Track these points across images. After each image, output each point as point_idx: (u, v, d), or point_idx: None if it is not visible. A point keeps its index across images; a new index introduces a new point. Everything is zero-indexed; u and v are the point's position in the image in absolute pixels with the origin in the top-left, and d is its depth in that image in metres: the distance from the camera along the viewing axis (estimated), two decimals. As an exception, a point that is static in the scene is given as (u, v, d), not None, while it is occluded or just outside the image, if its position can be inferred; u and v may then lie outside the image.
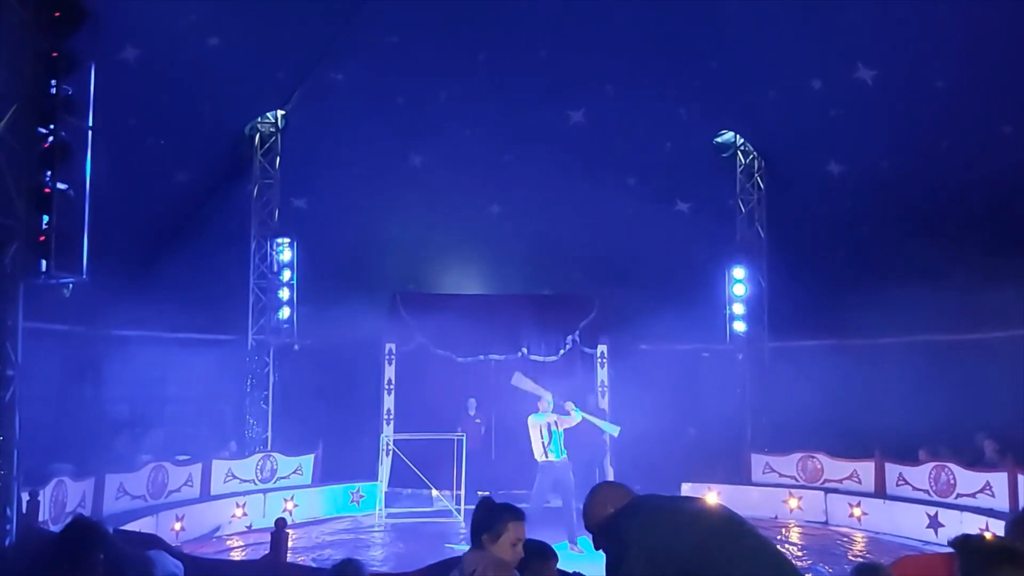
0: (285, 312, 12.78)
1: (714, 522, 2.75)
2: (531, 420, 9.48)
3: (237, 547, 9.27)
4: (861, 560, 2.99)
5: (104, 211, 10.39)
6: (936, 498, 10.06)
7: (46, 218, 5.05)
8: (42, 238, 5.00)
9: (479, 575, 2.80)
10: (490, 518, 3.05)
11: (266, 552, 3.72)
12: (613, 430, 10.48)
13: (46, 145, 5.02)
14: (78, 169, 5.07)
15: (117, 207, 10.84)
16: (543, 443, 9.28)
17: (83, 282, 8.85)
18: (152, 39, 10.12)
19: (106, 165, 10.08)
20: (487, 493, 12.23)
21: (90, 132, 5.22)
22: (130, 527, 8.34)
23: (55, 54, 4.89)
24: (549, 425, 9.28)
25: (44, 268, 5.13)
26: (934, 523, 9.78)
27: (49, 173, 5.03)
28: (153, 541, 4.00)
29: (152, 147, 11.13)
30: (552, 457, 9.30)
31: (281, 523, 3.89)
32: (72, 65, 4.97)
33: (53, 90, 4.98)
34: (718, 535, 2.66)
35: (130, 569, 3.12)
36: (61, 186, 4.95)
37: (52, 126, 4.97)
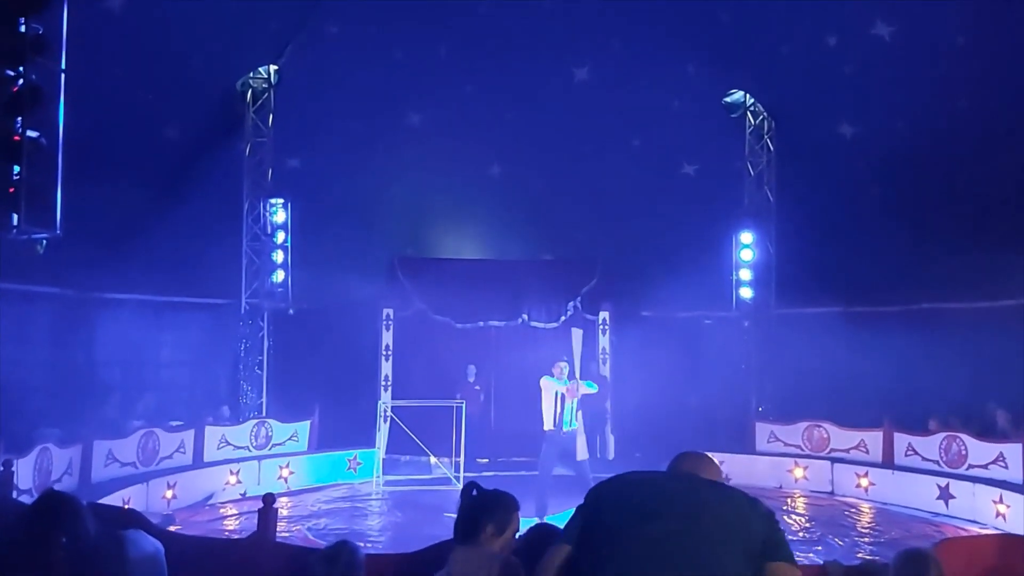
0: (279, 276, 12.43)
1: (648, 492, 2.41)
2: (544, 382, 8.97)
3: (231, 515, 9.04)
4: (906, 548, 2.69)
5: (90, 168, 10.21)
6: (947, 469, 9.83)
7: (16, 168, 4.67)
8: (12, 190, 4.62)
9: None
10: (496, 508, 2.69)
11: (254, 529, 3.45)
12: (592, 388, 9.86)
13: (15, 89, 4.61)
14: (50, 115, 4.67)
15: (103, 164, 10.49)
16: (555, 411, 8.84)
17: (59, 239, 8.53)
18: (137, -14, 9.62)
19: (90, 118, 9.85)
20: (486, 460, 12.10)
21: (63, 75, 4.80)
22: (119, 495, 8.14)
23: (22, -11, 4.48)
24: (561, 394, 8.85)
25: (15, 223, 4.75)
26: (945, 494, 9.57)
27: (19, 120, 4.63)
28: (132, 517, 3.70)
29: (140, 102, 10.67)
30: (563, 427, 8.90)
31: (270, 499, 3.59)
32: (42, 2, 4.55)
33: (22, 28, 4.57)
34: (633, 505, 2.37)
35: (100, 550, 2.81)
36: (31, 134, 4.57)
37: (21, 68, 4.57)
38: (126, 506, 8.04)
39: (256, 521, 3.63)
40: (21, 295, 10.48)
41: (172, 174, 11.44)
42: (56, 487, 7.64)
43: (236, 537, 6.36)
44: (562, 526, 2.57)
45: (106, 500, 7.86)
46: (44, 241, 5.28)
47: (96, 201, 10.46)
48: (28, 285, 10.47)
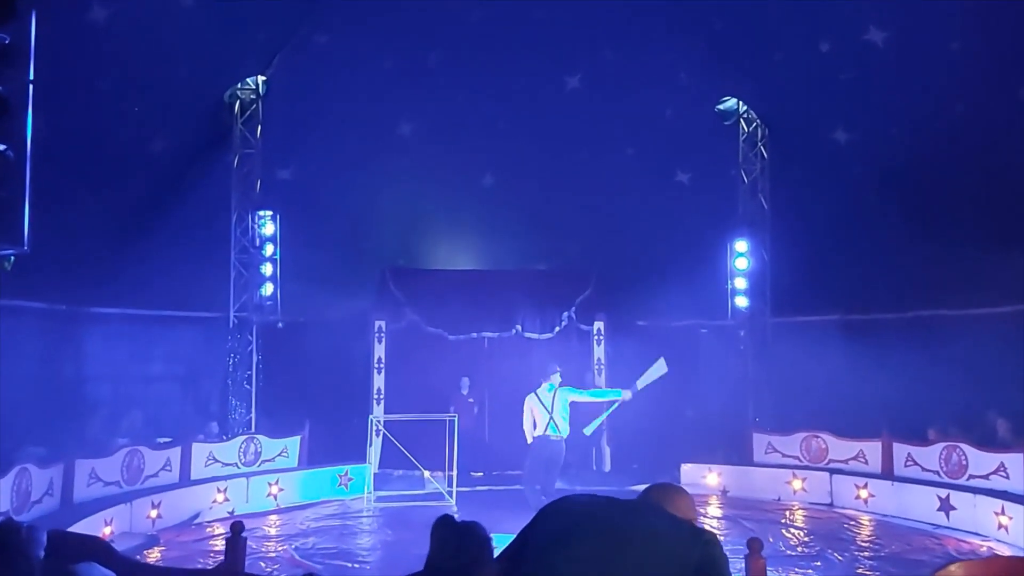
0: (268, 288, 12.27)
1: (577, 516, 2.38)
2: (527, 401, 8.90)
3: (218, 535, 8.81)
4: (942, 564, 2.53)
5: (74, 181, 10.08)
6: (947, 479, 9.65)
7: (-20, 183, 4.51)
8: (-26, 206, 4.47)
9: None
10: (483, 551, 2.54)
11: (221, 560, 3.29)
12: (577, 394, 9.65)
13: (-23, 101, 4.46)
14: (18, 127, 4.51)
15: (88, 177, 10.35)
16: (541, 419, 8.73)
17: (49, 253, 8.37)
18: (121, -2, 9.49)
19: (74, 131, 9.71)
20: (481, 473, 11.91)
21: (31, 86, 4.65)
22: (102, 516, 7.96)
23: (-13, -2, 4.34)
24: (549, 402, 8.74)
25: (-22, 239, 4.59)
26: (945, 506, 9.39)
27: (-18, 132, 4.48)
28: (95, 546, 3.53)
29: (125, 114, 10.52)
30: (549, 433, 8.77)
31: (238, 527, 3.42)
32: (9, 10, 4.41)
33: (-14, 38, 4.42)
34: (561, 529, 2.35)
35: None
36: (-3, 146, 4.41)
37: (-15, 79, 4.42)
38: (107, 531, 7.87)
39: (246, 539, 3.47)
40: (5, 309, 10.32)
41: (159, 186, 11.30)
42: (35, 508, 7.51)
43: (202, 567, 6.18)
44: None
45: (88, 521, 7.70)
46: (12, 257, 5.10)
47: (81, 214, 10.35)
48: (12, 300, 10.32)
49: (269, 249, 12.27)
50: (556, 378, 8.94)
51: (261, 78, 12.21)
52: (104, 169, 10.52)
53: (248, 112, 12.26)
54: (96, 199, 10.63)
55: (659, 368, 9.14)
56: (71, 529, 7.05)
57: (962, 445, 9.65)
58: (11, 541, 2.70)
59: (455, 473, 10.94)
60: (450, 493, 10.76)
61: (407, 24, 11.51)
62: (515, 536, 2.45)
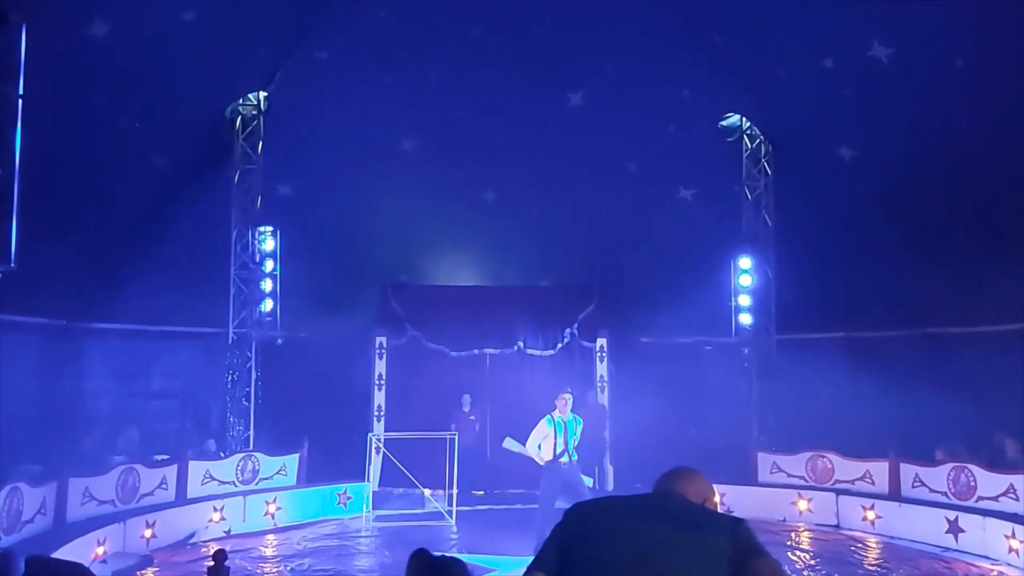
0: (268, 304, 12.19)
1: (618, 514, 2.41)
2: (542, 424, 8.63)
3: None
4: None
5: (74, 196, 10.04)
6: (955, 501, 9.49)
7: (-33, 198, 4.44)
8: (-40, 221, 4.39)
9: None
10: None
11: (231, 570, 3.18)
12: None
13: (-33, 116, 4.40)
14: (6, 143, 4.44)
15: (90, 193, 10.33)
16: (554, 442, 8.49)
17: (50, 267, 8.29)
18: (122, 13, 9.47)
19: (74, 146, 9.69)
20: (482, 492, 11.73)
21: (20, 101, 4.59)
22: (95, 535, 7.84)
23: (-23, 11, 4.29)
24: (562, 425, 8.51)
25: (-36, 255, 4.51)
26: (954, 528, 9.22)
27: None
28: (75, 572, 3.42)
29: (126, 130, 10.51)
30: (552, 456, 8.56)
31: (220, 556, 3.31)
32: (-1, 25, 4.36)
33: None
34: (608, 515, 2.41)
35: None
36: (-16, 162, 4.34)
37: (-27, 94, 4.36)
38: (99, 551, 7.75)
39: (239, 559, 3.36)
40: (4, 324, 10.26)
41: (160, 201, 11.25)
42: (27, 527, 7.40)
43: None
44: None
45: (81, 540, 7.59)
46: None
47: (81, 229, 10.31)
48: (11, 315, 10.26)
49: (269, 265, 12.21)
50: (566, 403, 8.74)
51: (262, 94, 12.19)
52: (105, 184, 10.51)
53: (249, 128, 12.23)
54: (97, 214, 10.61)
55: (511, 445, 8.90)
56: (62, 549, 6.95)
57: (970, 466, 9.50)
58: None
59: (455, 492, 10.80)
60: (450, 512, 10.61)
61: (408, 40, 11.48)
62: (547, 539, 2.42)
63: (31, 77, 4.98)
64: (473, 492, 11.62)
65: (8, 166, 4.42)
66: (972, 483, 9.38)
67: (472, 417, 12.11)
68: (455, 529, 10.26)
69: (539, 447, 8.59)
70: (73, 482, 8.22)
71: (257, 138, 12.21)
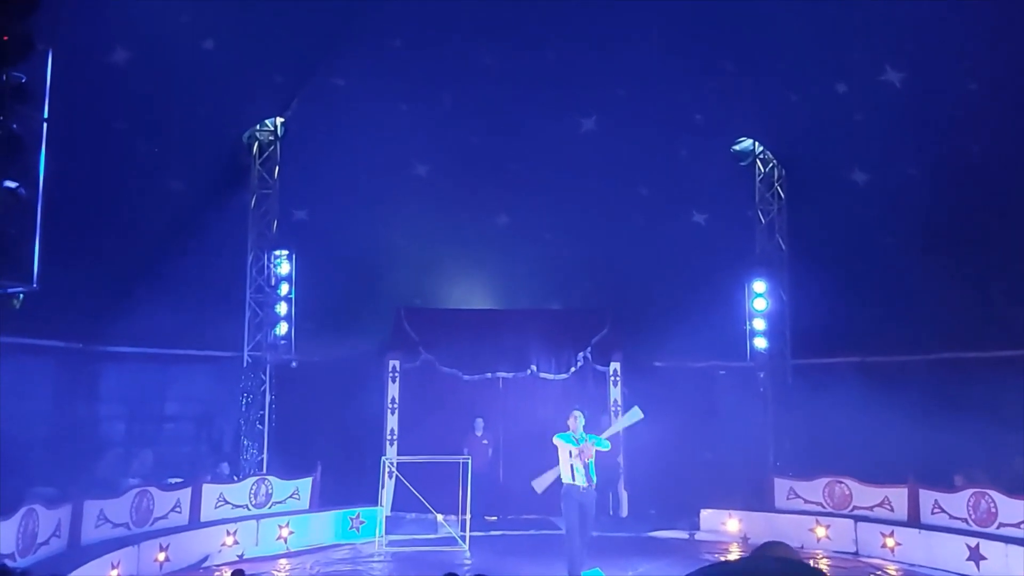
0: (283, 328, 12.26)
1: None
2: (557, 441, 8.40)
3: (225, 580, 8.66)
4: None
5: (94, 220, 10.17)
6: (976, 528, 9.31)
7: (-8, 220, 4.51)
8: (-16, 242, 4.46)
9: None
10: None
11: None
12: (604, 446, 9.08)
13: (-6, 138, 4.48)
14: (31, 165, 4.53)
15: (108, 217, 10.46)
16: (571, 468, 8.31)
17: (64, 291, 8.35)
18: (143, 41, 9.68)
19: (94, 170, 9.83)
20: (495, 518, 11.64)
21: (45, 124, 4.68)
22: (108, 558, 7.84)
23: (5, 37, 4.38)
24: (578, 453, 8.32)
25: (-11, 276, 4.57)
26: (975, 555, 9.05)
27: (-5, 169, 4.49)
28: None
29: (145, 155, 10.69)
30: (580, 482, 8.32)
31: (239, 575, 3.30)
32: (25, 49, 4.46)
33: (3, 76, 4.46)
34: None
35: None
36: (9, 184, 4.42)
37: (1, 117, 4.44)
38: (113, 574, 7.73)
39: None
40: (21, 347, 10.35)
41: (177, 226, 11.38)
42: (42, 549, 7.40)
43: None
44: None
45: (95, 563, 7.58)
46: (21, 295, 5.08)
47: (99, 253, 10.43)
48: (28, 338, 10.36)
49: (284, 288, 12.30)
50: (576, 420, 8.62)
51: (279, 120, 12.37)
52: (123, 208, 10.65)
53: (266, 153, 12.39)
54: (114, 238, 10.73)
55: (634, 415, 8.73)
56: (77, 571, 6.96)
57: (991, 492, 9.34)
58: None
59: (468, 517, 10.71)
60: (463, 538, 10.53)
61: (422, 68, 11.64)
62: None
63: (54, 102, 5.09)
64: (486, 518, 11.53)
65: (32, 188, 4.50)
66: (993, 509, 9.22)
67: (485, 441, 12.05)
68: (468, 554, 10.18)
69: (571, 467, 8.35)
70: (88, 504, 8.23)
71: (274, 163, 12.37)
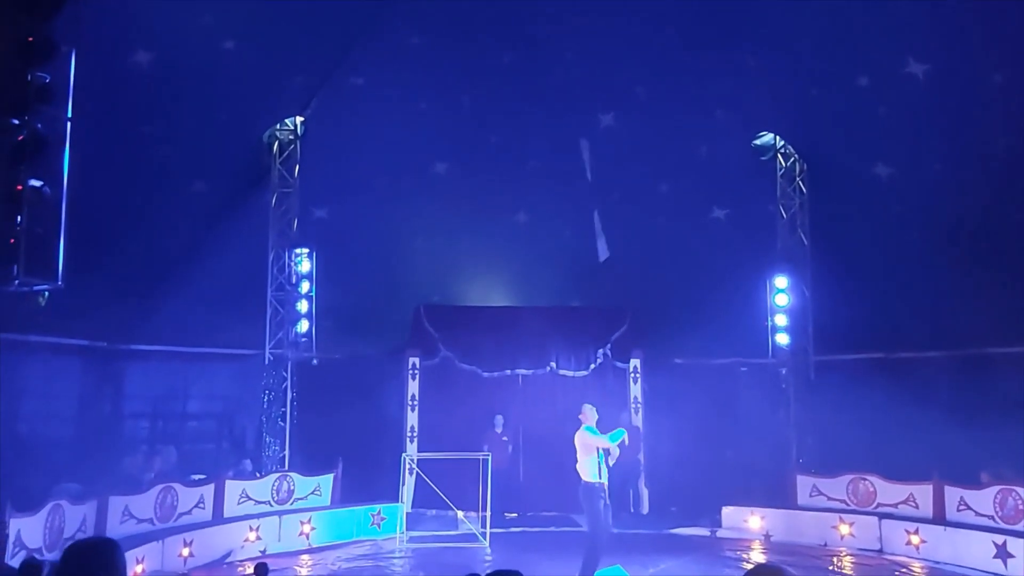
0: (304, 325, 12.34)
1: None
2: (586, 437, 8.12)
3: (249, 574, 8.72)
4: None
5: (117, 220, 10.29)
6: (1003, 525, 9.19)
7: (18, 218, 4.58)
8: (12, 241, 4.52)
9: None
10: None
11: None
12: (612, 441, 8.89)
13: (19, 138, 4.55)
14: (55, 164, 4.59)
15: (131, 216, 10.57)
16: (597, 461, 8.19)
17: (90, 291, 8.46)
18: (165, 42, 9.77)
19: (117, 171, 9.94)
20: (515, 515, 11.62)
21: (69, 124, 4.74)
22: (133, 554, 7.90)
23: (31, 38, 4.44)
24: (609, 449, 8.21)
25: (15, 274, 4.63)
26: (1002, 553, 8.92)
27: (21, 168, 4.56)
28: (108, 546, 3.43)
29: (167, 155, 10.78)
30: (604, 479, 8.05)
31: (262, 569, 3.32)
32: (49, 50, 4.52)
33: (28, 77, 4.53)
34: None
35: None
36: (35, 183, 4.48)
37: (26, 116, 4.51)
38: (138, 569, 7.82)
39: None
40: (46, 346, 10.51)
41: (199, 225, 11.49)
42: (67, 545, 7.50)
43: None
44: None
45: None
46: (47, 292, 5.15)
47: (122, 252, 10.55)
48: (54, 337, 10.51)
49: (305, 286, 12.37)
50: (588, 413, 8.51)
51: (299, 119, 12.44)
52: (146, 208, 10.75)
53: (286, 152, 12.48)
54: (137, 237, 10.84)
55: (617, 435, 8.52)
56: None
57: (1018, 488, 9.20)
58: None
59: (489, 514, 10.72)
60: (483, 534, 10.55)
61: (441, 66, 11.66)
62: None
63: (78, 102, 5.15)
64: (506, 515, 11.53)
65: (57, 187, 4.56)
66: (1020, 506, 9.09)
67: (505, 438, 12.07)
68: (489, 551, 10.19)
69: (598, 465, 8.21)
70: (113, 500, 8.34)
71: (294, 162, 12.45)
